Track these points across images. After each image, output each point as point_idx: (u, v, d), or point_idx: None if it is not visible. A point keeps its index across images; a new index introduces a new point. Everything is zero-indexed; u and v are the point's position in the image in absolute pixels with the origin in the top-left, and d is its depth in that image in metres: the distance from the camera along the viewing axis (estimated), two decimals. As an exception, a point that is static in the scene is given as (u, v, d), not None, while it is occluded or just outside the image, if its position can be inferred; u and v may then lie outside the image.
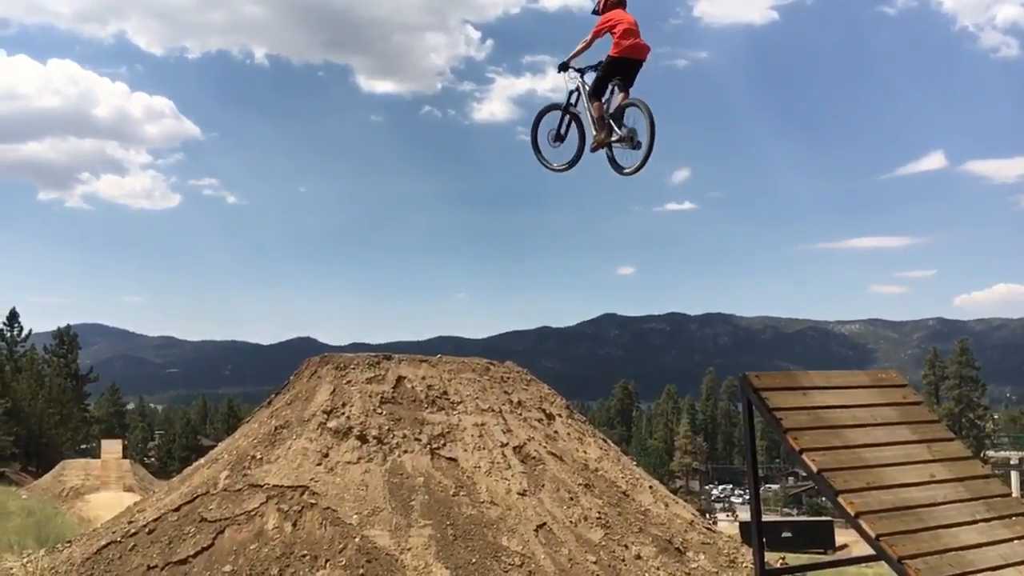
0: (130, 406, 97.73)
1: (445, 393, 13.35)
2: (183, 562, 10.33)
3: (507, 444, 12.66)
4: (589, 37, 8.66)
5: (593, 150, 8.74)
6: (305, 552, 10.09)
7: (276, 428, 12.60)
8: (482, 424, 12.88)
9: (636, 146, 8.25)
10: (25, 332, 61.81)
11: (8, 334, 60.65)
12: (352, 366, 13.50)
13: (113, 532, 11.73)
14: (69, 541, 12.92)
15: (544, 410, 14.19)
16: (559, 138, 9.23)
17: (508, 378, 14.56)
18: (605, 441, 15.03)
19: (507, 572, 10.20)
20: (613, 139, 8.42)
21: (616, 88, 8.48)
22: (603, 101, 8.54)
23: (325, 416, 12.45)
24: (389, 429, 12.31)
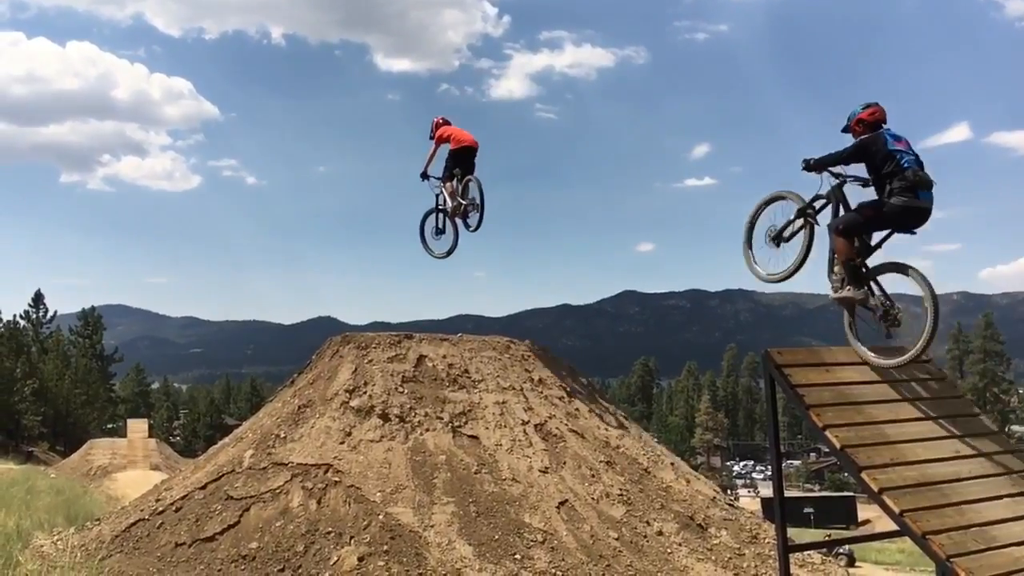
0: (155, 386, 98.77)
1: (466, 371, 13.39)
2: (210, 539, 10.47)
3: (528, 422, 12.69)
4: (432, 150, 12.47)
5: (451, 216, 12.40)
6: (330, 529, 10.19)
7: (299, 407, 12.70)
8: (503, 402, 12.92)
9: (477, 208, 12.08)
10: (50, 314, 62.60)
11: (34, 316, 61.44)
12: (373, 345, 13.56)
13: (141, 510, 11.89)
14: (98, 519, 13.12)
15: (565, 388, 14.21)
16: (439, 232, 12.82)
17: (529, 356, 14.57)
18: (626, 418, 15.04)
19: (529, 548, 10.26)
20: (461, 209, 12.14)
21: (460, 173, 12.15)
22: (452, 184, 12.24)
23: (347, 395, 12.53)
24: (411, 408, 12.38)
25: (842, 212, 6.69)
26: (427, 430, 12.09)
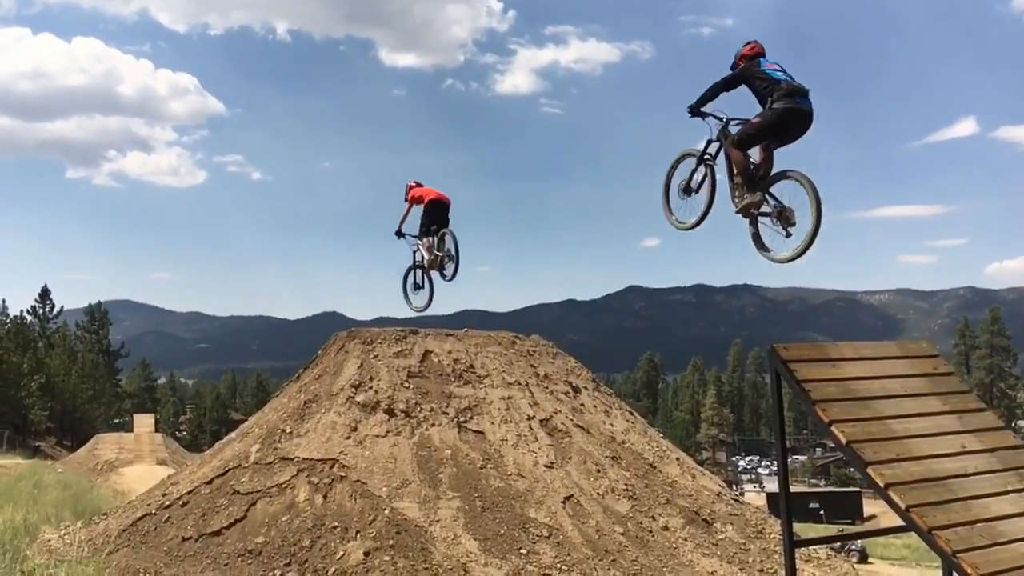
0: (161, 381, 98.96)
1: (472, 367, 13.40)
2: (216, 533, 10.50)
3: (534, 417, 12.71)
4: (406, 210, 13.15)
5: (427, 270, 12.96)
6: (336, 524, 10.22)
7: (305, 402, 12.73)
8: (509, 397, 12.93)
9: (452, 259, 12.52)
10: (57, 309, 62.80)
11: (40, 311, 61.63)
12: (379, 340, 13.57)
13: (148, 504, 11.93)
14: (105, 513, 13.16)
15: (570, 383, 14.21)
16: (418, 287, 13.37)
17: (534, 351, 14.58)
18: (631, 413, 15.04)
19: (535, 543, 10.28)
20: (437, 261, 12.66)
21: (436, 228, 12.77)
22: (428, 239, 12.79)
23: (353, 390, 12.55)
24: (416, 403, 12.40)
25: (732, 171, 7.31)
26: (433, 425, 12.10)
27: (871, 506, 49.51)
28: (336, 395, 12.57)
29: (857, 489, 54.51)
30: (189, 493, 11.53)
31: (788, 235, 6.97)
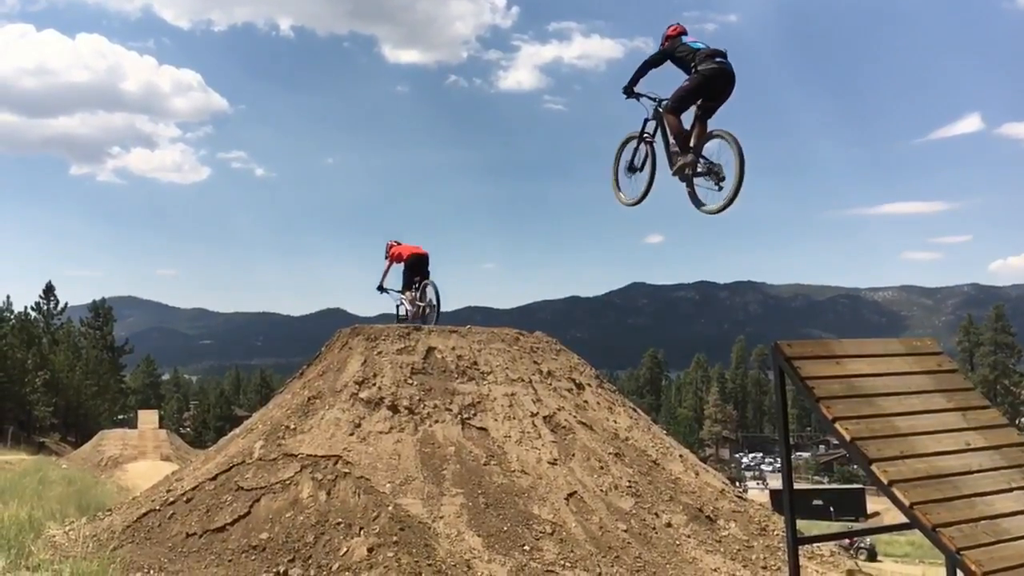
0: (165, 377, 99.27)
1: (475, 363, 13.41)
2: (221, 529, 10.52)
3: (537, 414, 12.71)
4: (387, 267, 14.62)
5: (411, 320, 13.66)
6: (339, 520, 10.23)
7: (309, 399, 12.75)
8: (512, 394, 12.93)
9: (434, 308, 13.83)
10: (61, 305, 62.94)
11: (45, 307, 61.77)
12: (382, 337, 13.59)
13: (152, 500, 11.96)
14: (109, 509, 13.19)
15: (574, 379, 14.22)
16: (399, 321, 14.22)
17: (537, 348, 14.59)
18: (635, 410, 15.05)
19: (538, 540, 10.29)
20: (420, 312, 14.07)
21: (418, 280, 14.15)
22: (411, 293, 14.21)
23: (357, 387, 12.56)
24: (420, 399, 12.41)
25: (668, 136, 7.89)
26: (436, 422, 12.12)
27: (875, 503, 49.52)
28: (340, 392, 12.59)
29: (861, 486, 54.53)
30: (193, 489, 11.56)
31: (720, 188, 7.57)
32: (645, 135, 8.28)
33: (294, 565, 9.66)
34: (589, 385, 14.35)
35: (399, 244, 14.98)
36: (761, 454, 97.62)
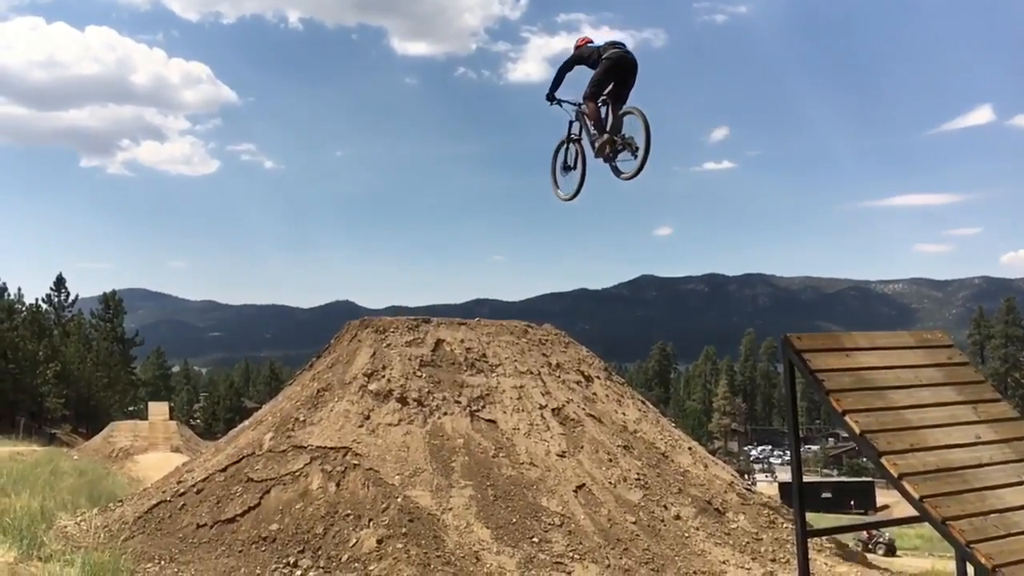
0: (175, 369, 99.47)
1: (484, 356, 13.42)
2: (231, 520, 10.58)
3: (546, 406, 12.72)
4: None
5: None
6: (349, 512, 10.27)
7: (318, 391, 12.78)
8: (521, 386, 12.94)
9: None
10: (72, 297, 63.20)
11: (56, 299, 62.04)
12: (391, 329, 13.61)
13: (163, 492, 12.03)
14: (120, 500, 13.26)
15: (582, 372, 14.22)
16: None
17: (546, 340, 14.59)
18: (643, 403, 15.04)
19: (547, 532, 10.30)
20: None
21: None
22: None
23: (366, 379, 12.59)
24: (429, 391, 12.43)
25: (588, 125, 8.75)
26: (445, 414, 12.13)
27: (884, 496, 49.39)
28: (349, 384, 12.62)
29: (870, 479, 54.38)
30: (204, 481, 11.61)
31: (635, 157, 8.38)
32: (572, 136, 9.20)
33: (304, 556, 9.71)
34: (598, 378, 14.35)
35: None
36: (770, 447, 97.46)
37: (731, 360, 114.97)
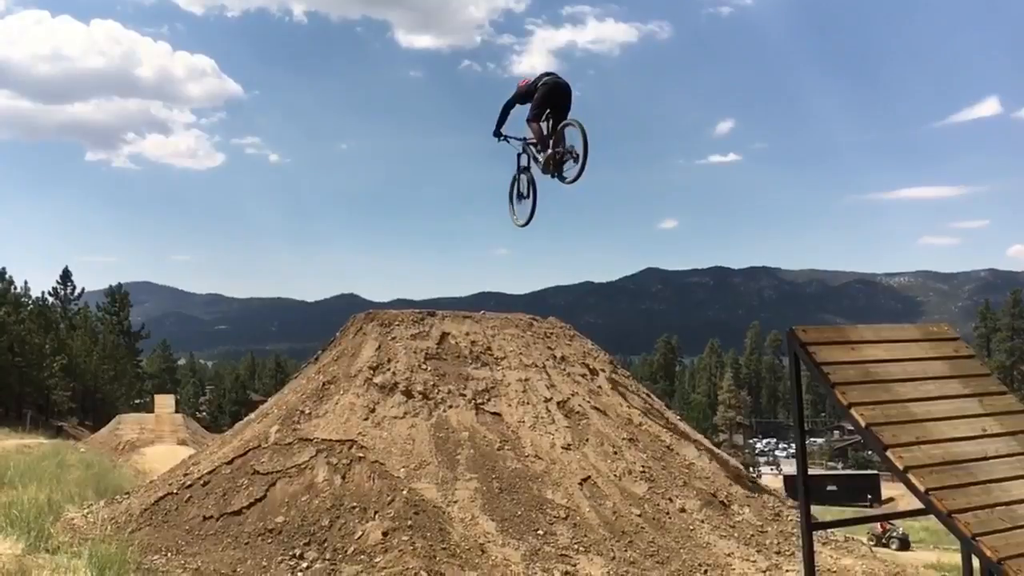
0: (181, 362, 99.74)
1: (489, 349, 13.43)
2: (237, 513, 10.62)
3: (551, 399, 12.73)
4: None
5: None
6: (354, 504, 10.30)
7: (324, 384, 12.81)
8: (526, 379, 12.96)
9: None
10: (78, 291, 63.38)
11: (62, 292, 62.22)
12: (397, 322, 13.62)
13: (169, 484, 12.07)
14: (127, 493, 13.32)
15: (587, 365, 14.22)
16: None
17: (551, 333, 14.60)
18: (648, 396, 15.05)
19: (552, 524, 10.33)
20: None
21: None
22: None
23: (371, 372, 12.62)
24: (434, 384, 12.45)
25: (533, 151, 10.08)
26: (450, 407, 12.16)
27: (889, 489, 49.35)
28: (354, 377, 12.65)
29: (875, 472, 54.37)
30: (210, 473, 11.65)
31: (576, 163, 9.58)
32: (521, 167, 10.42)
33: (310, 548, 9.74)
34: (603, 370, 14.35)
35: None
36: (775, 440, 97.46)
37: (736, 353, 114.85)
